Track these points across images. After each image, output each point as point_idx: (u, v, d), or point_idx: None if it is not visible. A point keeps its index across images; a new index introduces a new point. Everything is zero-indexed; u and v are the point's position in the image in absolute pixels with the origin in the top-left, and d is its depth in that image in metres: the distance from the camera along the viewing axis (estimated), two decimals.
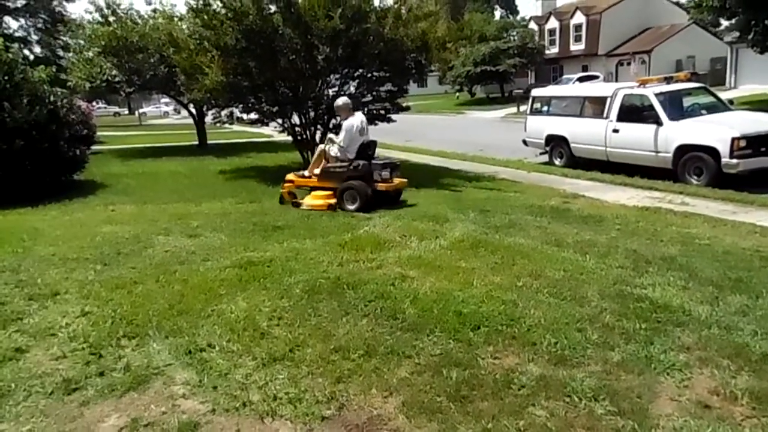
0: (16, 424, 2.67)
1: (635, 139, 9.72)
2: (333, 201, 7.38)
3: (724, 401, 2.72)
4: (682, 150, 8.94)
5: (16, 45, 11.15)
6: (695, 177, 8.79)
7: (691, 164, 8.85)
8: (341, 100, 8.14)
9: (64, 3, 37.51)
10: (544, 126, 11.96)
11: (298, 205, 7.57)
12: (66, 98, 10.68)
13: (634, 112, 9.94)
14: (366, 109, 11.21)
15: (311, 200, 7.61)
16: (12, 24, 36.27)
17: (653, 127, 9.35)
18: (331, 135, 8.17)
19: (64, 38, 29.32)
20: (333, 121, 11.00)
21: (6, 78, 8.83)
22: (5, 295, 4.29)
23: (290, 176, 8.09)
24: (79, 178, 10.81)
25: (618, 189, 8.67)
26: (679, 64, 31.97)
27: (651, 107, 9.50)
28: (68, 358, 3.28)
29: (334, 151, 7.67)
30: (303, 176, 7.99)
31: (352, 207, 7.21)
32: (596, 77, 31.22)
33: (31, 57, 30.68)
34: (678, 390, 2.83)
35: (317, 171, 7.77)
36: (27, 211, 7.96)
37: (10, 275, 4.80)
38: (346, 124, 7.65)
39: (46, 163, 9.03)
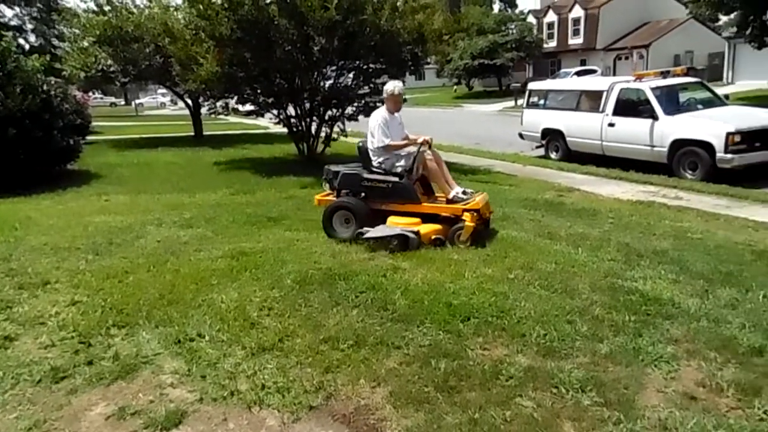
0: (3, 412, 2.66)
1: (631, 134, 9.73)
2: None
3: (710, 393, 2.73)
4: (677, 144, 8.96)
5: (10, 33, 11.05)
6: (690, 171, 8.81)
7: (686, 159, 8.88)
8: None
9: None
10: (540, 119, 11.96)
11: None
12: (60, 88, 10.66)
13: (631, 106, 9.94)
14: (362, 101, 11.19)
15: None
16: (7, 12, 35.96)
17: (649, 121, 9.36)
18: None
19: (59, 27, 29.08)
20: (329, 112, 10.97)
21: None
22: None
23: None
24: (73, 168, 10.77)
25: (613, 183, 8.69)
26: (677, 58, 31.89)
27: (647, 101, 9.51)
28: (57, 347, 3.27)
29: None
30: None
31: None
32: (594, 71, 31.15)
33: (27, 46, 30.44)
34: (665, 382, 2.84)
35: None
36: (20, 200, 7.93)
37: (1, 264, 4.78)
38: None
39: (40, 153, 9.00)
